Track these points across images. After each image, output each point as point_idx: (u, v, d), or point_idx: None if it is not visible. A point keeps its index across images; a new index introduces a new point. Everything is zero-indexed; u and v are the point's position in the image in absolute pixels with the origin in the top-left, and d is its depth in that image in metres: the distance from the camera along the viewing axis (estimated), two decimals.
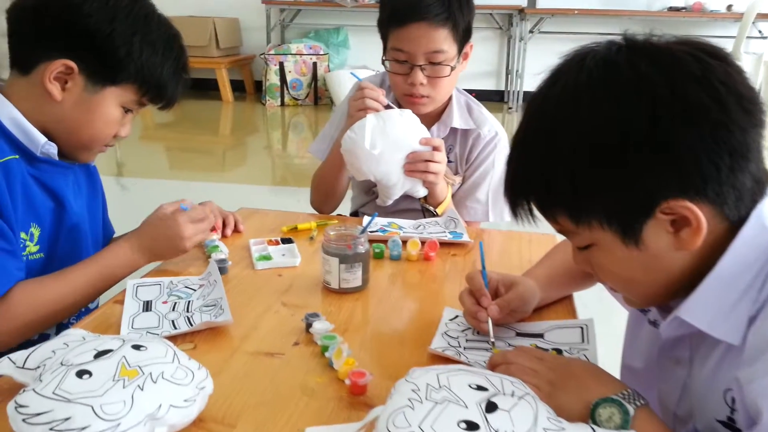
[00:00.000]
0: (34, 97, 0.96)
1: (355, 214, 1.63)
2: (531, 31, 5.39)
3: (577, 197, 0.64)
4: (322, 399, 0.75)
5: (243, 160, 4.55)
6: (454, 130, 1.45)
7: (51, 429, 0.60)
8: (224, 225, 1.25)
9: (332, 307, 0.98)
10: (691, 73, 0.60)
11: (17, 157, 0.95)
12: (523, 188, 0.69)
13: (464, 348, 0.86)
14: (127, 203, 3.30)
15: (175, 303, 0.95)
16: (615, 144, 0.60)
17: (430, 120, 1.43)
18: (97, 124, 1.00)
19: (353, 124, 1.29)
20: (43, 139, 0.98)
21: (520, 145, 0.69)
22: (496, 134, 1.45)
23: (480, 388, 0.64)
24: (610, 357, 0.86)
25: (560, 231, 0.70)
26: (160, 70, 1.00)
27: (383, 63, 1.39)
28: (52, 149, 1.00)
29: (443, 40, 1.31)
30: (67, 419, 0.60)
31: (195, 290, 1.00)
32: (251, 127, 5.43)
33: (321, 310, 0.95)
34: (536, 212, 0.71)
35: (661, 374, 0.75)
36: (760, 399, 0.54)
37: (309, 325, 0.89)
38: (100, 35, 0.94)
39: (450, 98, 1.44)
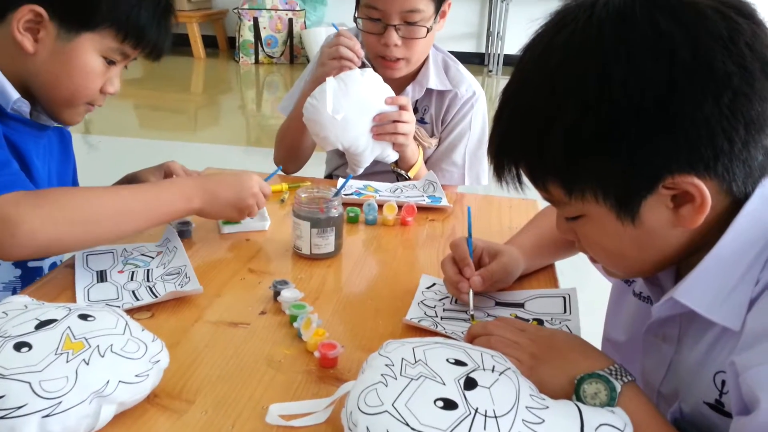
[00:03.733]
0: (7, 51, 0.88)
1: (329, 177, 1.57)
2: None
3: (573, 166, 0.58)
4: (289, 372, 0.70)
5: (215, 119, 4.41)
6: (429, 91, 1.38)
7: None
8: None
9: (302, 274, 0.93)
10: (716, 33, 0.53)
11: None
12: (512, 152, 0.62)
13: (441, 318, 0.82)
14: (95, 161, 3.17)
15: (133, 272, 0.88)
16: (623, 109, 0.54)
17: (404, 81, 1.36)
18: (75, 76, 0.91)
19: (323, 73, 1.21)
20: (15, 94, 0.89)
21: (511, 100, 0.62)
22: (474, 93, 1.38)
23: (458, 362, 0.59)
24: (586, 328, 0.82)
25: (548, 199, 0.64)
26: (137, 10, 0.90)
27: (355, 20, 1.31)
28: (25, 107, 0.91)
29: None
30: (0, 398, 0.54)
31: (153, 258, 0.93)
32: (224, 85, 5.26)
33: (290, 277, 0.90)
34: (524, 178, 0.65)
35: (647, 350, 0.72)
36: (757, 387, 0.50)
37: (277, 293, 0.83)
38: None
39: (426, 57, 1.37)
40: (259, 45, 5.42)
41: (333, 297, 0.88)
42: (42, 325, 0.61)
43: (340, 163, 1.54)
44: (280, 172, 1.09)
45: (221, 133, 4.02)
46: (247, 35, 5.39)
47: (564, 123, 0.56)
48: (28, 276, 0.99)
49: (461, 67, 1.40)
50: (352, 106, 1.18)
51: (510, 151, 0.63)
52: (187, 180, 0.96)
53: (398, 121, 1.20)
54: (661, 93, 0.53)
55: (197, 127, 4.19)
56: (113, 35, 0.91)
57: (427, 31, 1.26)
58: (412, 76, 1.36)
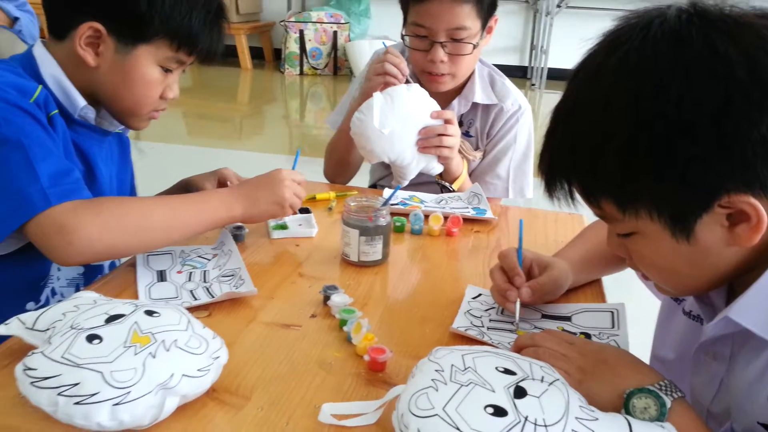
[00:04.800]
0: (72, 64, 0.94)
1: (373, 186, 1.59)
2: (558, 5, 5.23)
3: (628, 184, 0.58)
4: (339, 374, 0.72)
5: (260, 128, 4.51)
6: (475, 105, 1.39)
7: (59, 394, 0.58)
8: None
9: (350, 281, 0.95)
10: None
11: (58, 112, 0.93)
12: (565, 169, 0.63)
13: (487, 328, 0.83)
14: (145, 167, 3.28)
15: (191, 273, 0.92)
16: (679, 128, 0.54)
17: (450, 95, 1.38)
18: (135, 86, 0.96)
19: (369, 88, 1.24)
20: (82, 102, 0.95)
21: (564, 119, 0.63)
22: (520, 107, 1.39)
23: (507, 371, 0.61)
24: (632, 345, 0.82)
25: (600, 216, 0.65)
26: (188, 19, 0.94)
27: (402, 37, 1.33)
28: (90, 113, 0.97)
29: (466, 16, 1.24)
30: (75, 385, 0.58)
31: (209, 260, 0.97)
32: (269, 95, 5.38)
33: (338, 283, 0.92)
34: (576, 195, 0.65)
35: (696, 368, 0.71)
36: None
37: (327, 298, 0.86)
38: None
39: (472, 72, 1.38)
40: (304, 57, 5.53)
41: (380, 304, 0.90)
42: (111, 319, 0.65)
43: (384, 174, 1.57)
44: (301, 157, 1.11)
45: (265, 141, 4.11)
46: (293, 47, 5.50)
47: (619, 141, 0.57)
48: (90, 273, 1.04)
49: (507, 81, 1.41)
50: (398, 120, 1.21)
51: (563, 168, 0.63)
52: (227, 189, 1.00)
53: (443, 135, 1.22)
54: (717, 111, 0.54)
55: (242, 136, 4.29)
56: (168, 45, 0.95)
57: (473, 48, 1.27)
58: (458, 91, 1.38)
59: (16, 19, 2.29)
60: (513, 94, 1.39)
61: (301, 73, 5.59)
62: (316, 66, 5.57)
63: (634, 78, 0.57)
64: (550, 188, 0.65)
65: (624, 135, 0.57)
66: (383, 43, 1.40)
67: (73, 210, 0.80)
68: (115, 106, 0.99)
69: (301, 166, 1.15)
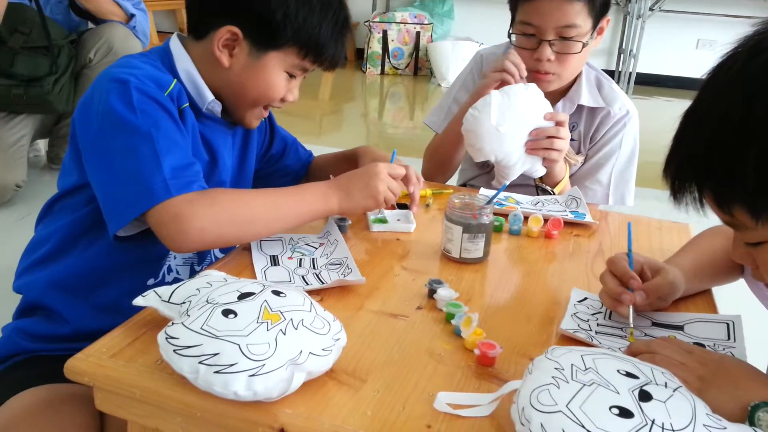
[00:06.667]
0: (206, 62, 1.00)
1: (462, 185, 1.60)
2: (651, 9, 5.04)
3: (765, 193, 0.57)
4: (450, 365, 0.74)
5: (339, 125, 4.59)
6: (580, 107, 1.37)
7: (200, 363, 0.62)
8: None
9: (452, 276, 0.97)
10: None
11: (188, 105, 0.99)
12: (698, 175, 0.62)
13: (596, 332, 0.82)
14: None
15: (300, 259, 0.96)
16: None
17: (555, 95, 1.36)
18: (261, 88, 1.02)
19: (484, 85, 1.24)
20: (210, 96, 1.01)
21: (697, 123, 0.62)
22: (628, 113, 1.36)
23: (629, 374, 0.60)
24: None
25: (728, 223, 0.63)
26: (318, 29, 0.99)
27: (509, 36, 1.33)
28: (217, 107, 1.03)
29: (577, 14, 1.23)
30: (215, 354, 0.62)
31: (316, 248, 1.01)
32: (350, 94, 5.46)
33: (440, 277, 0.93)
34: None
35: None
36: None
37: (432, 291, 0.88)
38: (257, 1, 0.96)
39: (579, 73, 1.36)
40: (386, 56, 5.58)
41: (484, 300, 0.91)
42: (243, 296, 0.69)
43: (476, 174, 1.57)
44: (397, 157, 1.13)
45: (343, 138, 4.18)
46: (376, 47, 5.57)
47: (759, 149, 0.56)
48: (202, 253, 1.11)
49: (615, 85, 1.38)
50: (513, 119, 1.21)
51: (695, 175, 0.62)
52: (324, 182, 1.03)
53: (554, 137, 1.21)
54: None
55: (322, 132, 4.39)
56: (296, 53, 1.00)
57: (583, 47, 1.26)
58: (563, 92, 1.37)
59: (132, 16, 2.46)
60: (621, 99, 1.36)
61: (382, 72, 5.65)
62: (397, 66, 5.61)
63: None
64: (678, 194, 0.64)
65: (765, 143, 0.55)
66: (506, 49, 1.38)
67: (190, 201, 0.85)
68: (236, 104, 1.05)
69: None
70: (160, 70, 0.98)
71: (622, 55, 5.34)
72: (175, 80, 0.97)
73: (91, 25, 2.52)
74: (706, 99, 0.62)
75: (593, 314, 0.86)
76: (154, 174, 0.85)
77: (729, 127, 0.58)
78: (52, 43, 2.22)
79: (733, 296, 1.08)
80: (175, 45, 1.02)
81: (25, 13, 2.21)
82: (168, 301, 0.74)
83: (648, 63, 5.20)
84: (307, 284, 0.88)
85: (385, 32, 5.51)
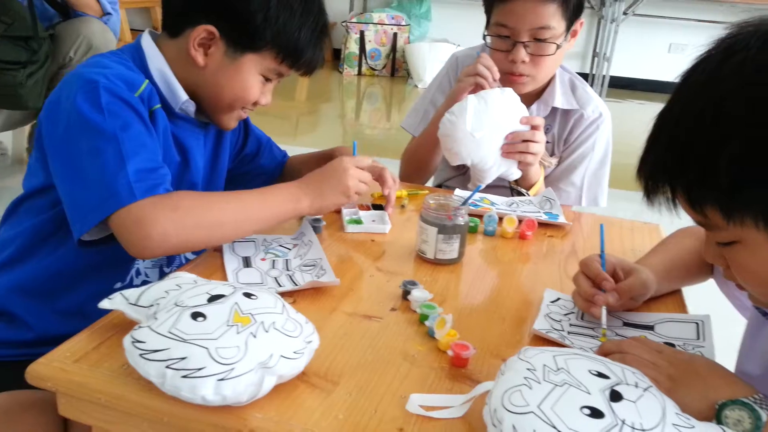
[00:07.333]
0: (181, 60, 0.98)
1: (438, 187, 1.60)
2: (625, 13, 5.12)
3: (738, 193, 0.57)
4: (423, 367, 0.73)
5: (316, 126, 4.58)
6: (554, 110, 1.38)
7: (167, 367, 0.60)
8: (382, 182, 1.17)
9: (427, 277, 0.96)
10: None
11: (160, 105, 0.97)
12: (672, 174, 0.62)
13: (568, 333, 0.82)
14: None
15: (274, 261, 0.95)
16: None
17: (530, 98, 1.37)
18: (236, 90, 1.00)
19: (459, 89, 1.25)
20: (184, 96, 0.99)
21: (672, 124, 0.62)
22: (600, 115, 1.38)
23: (601, 375, 0.60)
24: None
25: (701, 223, 0.64)
26: (297, 34, 0.97)
27: (484, 38, 1.33)
28: (191, 107, 1.01)
29: (551, 15, 1.24)
30: (183, 359, 0.61)
31: (290, 249, 1.00)
32: (326, 94, 5.45)
33: (415, 279, 0.93)
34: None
35: None
36: None
37: (407, 293, 0.87)
38: (237, 1, 0.94)
39: (553, 76, 1.37)
40: (364, 57, 5.58)
41: (458, 301, 0.91)
42: (213, 298, 0.68)
43: (451, 175, 1.57)
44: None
45: (320, 139, 4.17)
46: (353, 47, 5.57)
47: (732, 150, 0.56)
48: (171, 256, 1.09)
49: (588, 87, 1.40)
50: (490, 123, 1.21)
51: (668, 175, 0.63)
52: (294, 182, 1.01)
53: (530, 141, 1.22)
54: None
55: (297, 133, 4.37)
56: (273, 56, 0.99)
57: (557, 48, 1.27)
58: (538, 94, 1.37)
59: (107, 15, 2.43)
60: (594, 101, 1.37)
61: (359, 73, 5.65)
62: (374, 67, 5.62)
63: (751, 86, 0.56)
64: (651, 194, 0.64)
65: (738, 144, 0.56)
66: (477, 52, 1.37)
67: (153, 205, 0.82)
68: (211, 105, 1.03)
69: None
70: (132, 69, 0.96)
71: (596, 59, 5.42)
72: (147, 81, 0.95)
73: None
74: (680, 100, 0.63)
75: (566, 314, 0.87)
76: (118, 177, 0.82)
77: (703, 127, 0.59)
78: (38, 35, 2.18)
79: (702, 296, 1.10)
80: (147, 43, 1.00)
81: (10, 3, 2.16)
82: (135, 304, 0.72)
83: (621, 66, 5.29)
84: (280, 286, 0.87)
85: (362, 33, 5.51)
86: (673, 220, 0.89)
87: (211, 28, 0.95)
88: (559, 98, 1.36)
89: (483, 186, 1.30)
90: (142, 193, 0.82)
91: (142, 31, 1.05)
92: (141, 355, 0.62)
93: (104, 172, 0.83)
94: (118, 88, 0.89)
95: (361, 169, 1.04)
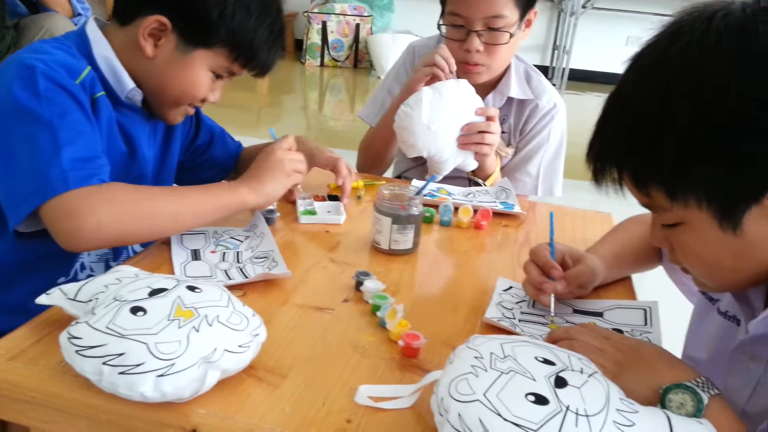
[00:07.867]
0: (129, 49, 0.95)
1: (398, 177, 1.59)
2: (584, 6, 5.20)
3: (681, 172, 0.58)
4: (373, 358, 0.72)
5: (278, 118, 4.52)
6: (510, 100, 1.39)
7: (104, 363, 0.58)
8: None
9: (381, 268, 0.96)
10: None
11: (104, 93, 0.93)
12: (618, 156, 0.63)
13: (519, 320, 0.83)
14: None
15: (224, 253, 0.93)
16: (738, 120, 0.55)
17: (485, 88, 1.37)
18: (184, 85, 0.97)
19: (415, 80, 1.24)
20: (131, 84, 0.96)
21: (619, 106, 0.63)
22: (555, 105, 1.39)
23: (547, 361, 0.61)
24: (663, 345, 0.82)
25: (646, 205, 0.65)
26: (253, 35, 0.95)
27: (439, 27, 1.33)
28: (138, 96, 0.98)
29: (503, 4, 1.24)
30: (120, 355, 0.58)
31: (242, 241, 0.98)
32: (288, 86, 5.38)
33: (369, 269, 0.92)
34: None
35: (732, 369, 0.71)
36: None
37: (360, 283, 0.86)
38: None
39: (508, 66, 1.38)
40: (326, 48, 5.53)
41: (411, 291, 0.90)
42: (154, 292, 0.66)
43: (409, 166, 1.57)
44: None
45: (282, 131, 4.09)
46: (315, 38, 5.51)
47: (676, 129, 0.57)
48: (117, 250, 1.06)
49: (543, 78, 1.40)
50: (445, 115, 1.21)
51: (615, 156, 0.64)
52: (236, 180, 0.99)
53: (485, 132, 1.22)
54: None
55: (259, 125, 4.31)
56: (226, 55, 0.96)
57: (510, 37, 1.27)
58: (493, 85, 1.38)
59: (78, 16, 2.39)
60: (549, 92, 1.38)
61: (322, 64, 5.60)
62: (337, 58, 5.57)
63: (695, 68, 0.57)
64: (599, 176, 0.65)
65: (682, 124, 0.57)
66: (436, 45, 1.37)
67: (87, 195, 0.79)
68: (157, 98, 1.00)
69: None
70: (74, 56, 0.92)
71: (556, 52, 5.49)
72: (89, 67, 0.91)
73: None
74: (628, 82, 0.64)
75: (517, 302, 0.87)
76: (52, 165, 0.79)
77: (649, 108, 0.60)
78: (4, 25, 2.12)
79: (652, 283, 1.12)
80: (92, 29, 0.96)
81: None
82: (74, 299, 0.70)
83: (580, 59, 5.37)
84: (230, 279, 0.85)
85: (324, 23, 5.45)
86: (627, 210, 0.90)
87: (164, 19, 0.92)
88: (515, 88, 1.36)
89: (439, 177, 1.29)
90: (77, 183, 0.78)
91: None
92: (77, 351, 0.60)
93: (37, 159, 0.79)
94: (58, 75, 0.85)
95: (288, 149, 1.03)
